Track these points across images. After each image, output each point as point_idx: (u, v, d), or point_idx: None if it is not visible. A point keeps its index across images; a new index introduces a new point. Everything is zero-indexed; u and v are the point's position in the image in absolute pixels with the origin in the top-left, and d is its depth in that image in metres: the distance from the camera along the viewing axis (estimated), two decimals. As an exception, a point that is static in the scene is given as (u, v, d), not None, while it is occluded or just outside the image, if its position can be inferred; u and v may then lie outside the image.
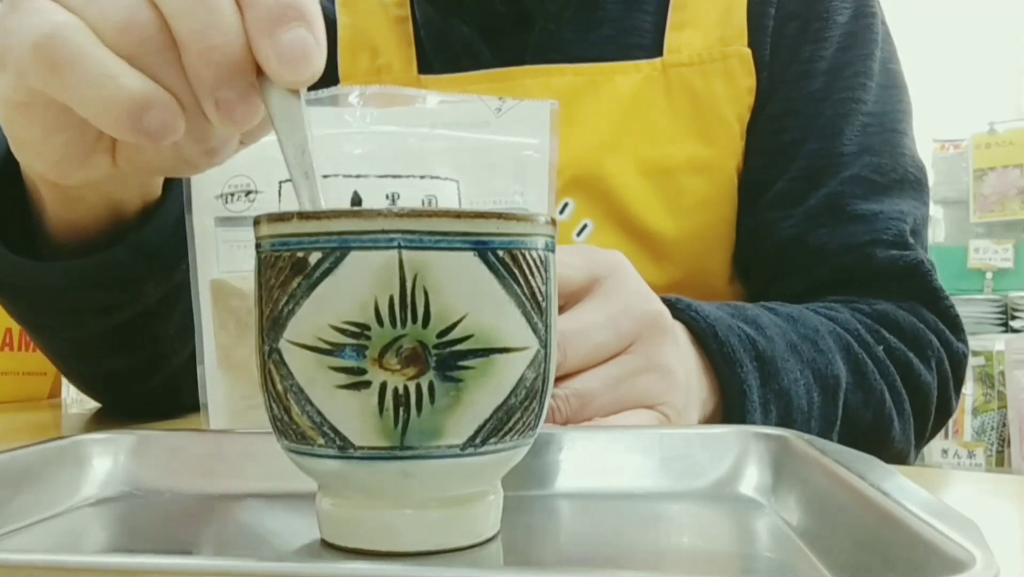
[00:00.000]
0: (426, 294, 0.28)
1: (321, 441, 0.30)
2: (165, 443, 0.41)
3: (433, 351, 0.29)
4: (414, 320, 0.28)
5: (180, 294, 0.53)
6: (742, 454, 0.40)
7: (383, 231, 0.28)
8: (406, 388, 0.28)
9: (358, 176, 0.49)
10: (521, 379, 0.30)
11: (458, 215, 0.29)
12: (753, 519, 0.36)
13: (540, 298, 0.31)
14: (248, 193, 0.48)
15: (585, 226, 0.63)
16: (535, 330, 0.30)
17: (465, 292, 0.29)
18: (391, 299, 0.28)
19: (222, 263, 0.48)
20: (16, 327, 0.72)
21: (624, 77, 0.68)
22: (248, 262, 0.42)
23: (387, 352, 0.28)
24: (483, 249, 0.29)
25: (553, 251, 0.32)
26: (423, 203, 0.49)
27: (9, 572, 0.24)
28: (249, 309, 0.43)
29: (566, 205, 0.64)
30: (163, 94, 0.33)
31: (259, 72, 0.34)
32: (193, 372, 0.57)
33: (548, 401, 0.32)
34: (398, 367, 0.28)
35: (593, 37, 0.69)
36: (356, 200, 0.48)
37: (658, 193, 0.71)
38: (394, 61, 0.71)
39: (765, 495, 0.38)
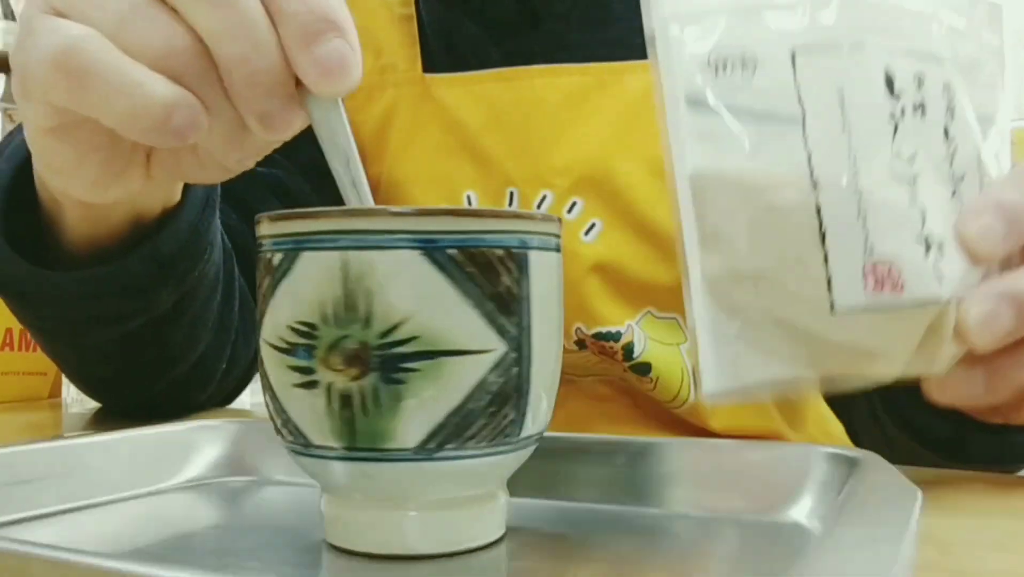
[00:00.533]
0: (369, 294, 0.28)
1: (290, 438, 0.30)
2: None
3: (375, 352, 0.28)
4: (356, 320, 0.28)
5: (191, 300, 0.54)
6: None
7: (331, 232, 0.28)
8: (350, 388, 0.28)
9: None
10: (482, 383, 0.29)
11: (403, 214, 0.28)
12: (771, 542, 0.32)
13: (509, 298, 0.29)
14: (745, 66, 0.37)
15: (593, 225, 0.59)
16: (501, 332, 0.29)
17: (410, 292, 0.28)
18: (336, 299, 0.28)
19: (694, 157, 0.37)
20: (17, 326, 0.72)
21: (633, 77, 0.62)
22: (717, 155, 0.36)
23: (332, 352, 0.28)
24: (430, 248, 0.28)
25: (540, 248, 0.30)
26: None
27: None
28: (728, 212, 0.36)
29: (574, 204, 0.60)
30: (188, 96, 0.33)
31: (298, 83, 0.34)
32: (196, 375, 0.55)
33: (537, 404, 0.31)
34: (341, 367, 0.28)
35: (601, 37, 0.65)
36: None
37: (667, 192, 0.64)
38: (398, 60, 0.69)
39: (806, 520, 0.34)
